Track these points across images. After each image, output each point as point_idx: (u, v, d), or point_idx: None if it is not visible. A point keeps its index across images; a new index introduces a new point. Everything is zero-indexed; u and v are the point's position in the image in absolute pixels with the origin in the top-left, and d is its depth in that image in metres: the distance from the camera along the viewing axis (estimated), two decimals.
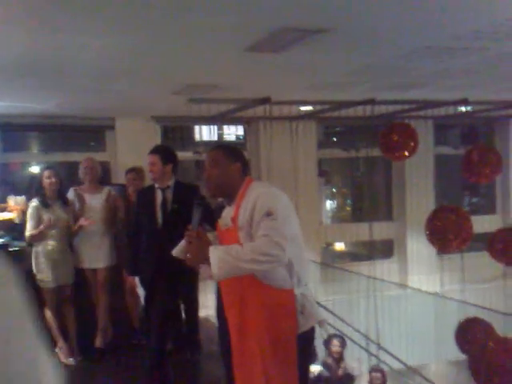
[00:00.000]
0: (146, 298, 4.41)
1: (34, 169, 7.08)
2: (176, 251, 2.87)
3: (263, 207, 2.47)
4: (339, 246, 9.38)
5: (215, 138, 8.03)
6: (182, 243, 2.79)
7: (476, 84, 5.23)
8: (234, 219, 2.61)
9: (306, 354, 2.77)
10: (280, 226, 2.42)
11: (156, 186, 4.24)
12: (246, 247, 2.39)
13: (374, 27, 3.23)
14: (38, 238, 4.89)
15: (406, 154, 5.64)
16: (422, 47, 3.74)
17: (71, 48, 3.33)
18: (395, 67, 4.34)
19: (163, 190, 4.20)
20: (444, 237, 5.06)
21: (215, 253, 2.40)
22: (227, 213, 2.76)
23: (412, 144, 5.58)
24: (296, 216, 2.69)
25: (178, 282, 4.16)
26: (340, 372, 6.52)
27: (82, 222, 5.05)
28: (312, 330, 2.72)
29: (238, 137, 8.16)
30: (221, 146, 2.89)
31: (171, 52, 3.53)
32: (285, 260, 2.41)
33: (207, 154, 2.84)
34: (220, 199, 2.96)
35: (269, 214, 2.44)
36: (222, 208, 2.90)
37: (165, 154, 4.23)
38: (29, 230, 4.90)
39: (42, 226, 4.83)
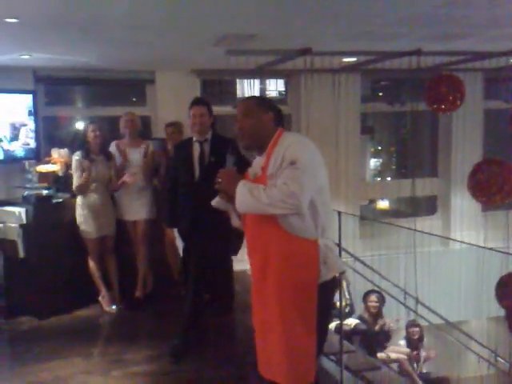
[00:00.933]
0: (184, 250, 4.48)
1: (78, 123, 7.18)
2: (215, 201, 2.88)
3: (290, 156, 2.50)
4: (383, 204, 9.25)
5: (257, 93, 7.90)
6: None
7: None
8: (264, 168, 2.63)
9: (327, 303, 2.77)
10: (300, 175, 2.45)
11: (194, 139, 4.23)
12: (267, 191, 2.46)
13: None
14: (85, 187, 5.02)
15: (453, 107, 5.42)
16: None
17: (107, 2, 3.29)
18: (441, 15, 4.12)
19: (201, 144, 4.19)
20: (487, 190, 4.89)
21: (241, 188, 2.56)
22: (257, 163, 2.77)
23: (459, 97, 5.35)
24: (324, 167, 2.68)
25: (215, 236, 4.18)
26: (377, 327, 6.53)
27: (126, 177, 5.13)
28: (333, 280, 2.72)
29: (280, 92, 8.02)
30: (253, 96, 2.85)
31: (206, 0, 3.44)
32: (301, 209, 2.47)
33: (239, 104, 2.82)
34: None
35: (292, 163, 2.48)
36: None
37: (210, 106, 4.23)
38: (75, 182, 5.02)
39: (85, 174, 4.93)
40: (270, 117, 2.71)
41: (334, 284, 2.76)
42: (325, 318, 2.77)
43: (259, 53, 5.12)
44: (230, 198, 2.65)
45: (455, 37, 4.96)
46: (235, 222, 2.91)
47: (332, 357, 4.61)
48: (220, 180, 2.70)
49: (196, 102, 4.21)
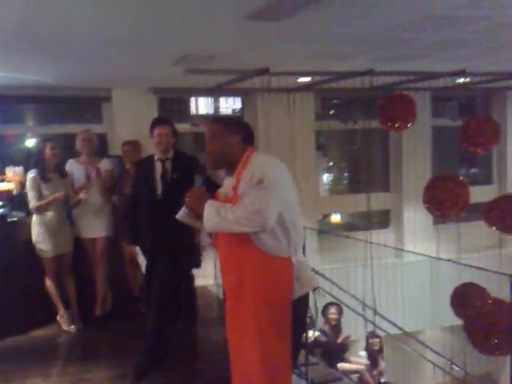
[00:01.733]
0: (148, 267, 4.47)
1: (30, 141, 7.07)
2: (180, 215, 2.91)
3: (257, 175, 2.56)
4: (335, 218, 9.44)
5: (211, 110, 7.98)
6: (184, 209, 2.84)
7: (474, 55, 5.22)
8: (235, 188, 2.67)
9: (300, 319, 2.85)
10: (267, 194, 2.51)
11: (156, 157, 4.25)
12: (233, 210, 2.52)
13: None
14: (44, 208, 4.94)
15: (405, 125, 5.65)
16: (421, 17, 3.73)
17: (67, 16, 3.30)
18: (394, 37, 4.33)
19: (163, 161, 4.22)
20: (442, 204, 5.11)
21: (208, 207, 2.61)
22: (227, 183, 2.81)
23: (411, 115, 5.59)
24: (293, 185, 2.74)
25: (178, 251, 4.20)
26: (340, 340, 6.64)
27: (82, 195, 5.09)
28: (306, 296, 2.81)
29: (234, 110, 8.12)
30: (219, 119, 2.94)
31: (169, 20, 3.50)
32: (266, 226, 2.52)
33: (206, 127, 2.86)
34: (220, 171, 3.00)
35: (260, 182, 2.53)
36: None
37: (173, 125, 4.26)
38: (32, 201, 4.93)
39: (51, 197, 4.88)
40: (238, 139, 2.74)
41: (307, 299, 2.84)
42: (299, 332, 2.84)
43: (218, 72, 5.22)
44: (198, 216, 2.70)
45: (406, 58, 5.18)
46: (204, 240, 2.95)
47: (295, 370, 4.68)
48: (188, 199, 2.74)
49: (160, 122, 4.23)
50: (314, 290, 2.87)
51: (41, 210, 4.95)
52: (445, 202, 5.11)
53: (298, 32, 4.05)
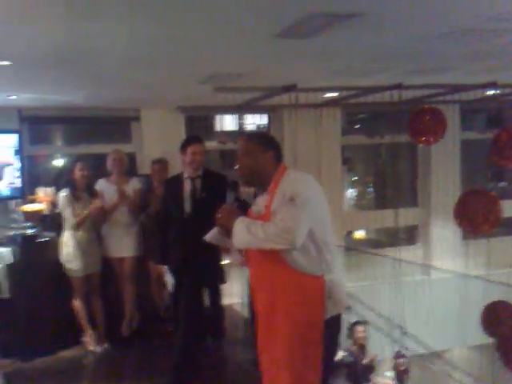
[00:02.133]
0: (176, 287, 4.46)
1: (59, 161, 7.16)
2: (209, 237, 2.90)
3: (289, 192, 2.56)
4: (359, 234, 9.34)
5: (236, 127, 8.01)
6: (215, 230, 2.83)
7: (504, 67, 5.14)
8: (267, 206, 2.65)
9: (333, 339, 2.81)
10: (298, 211, 2.50)
11: (185, 175, 4.26)
12: (264, 227, 2.52)
13: (401, 11, 3.18)
14: (82, 223, 4.99)
15: (436, 139, 5.58)
16: (450, 30, 3.68)
17: (97, 37, 3.33)
18: (422, 51, 4.27)
19: (193, 180, 4.22)
20: (473, 220, 5.02)
21: (239, 224, 2.61)
22: (260, 200, 2.79)
23: (441, 129, 5.52)
24: (326, 204, 2.72)
25: (206, 269, 4.19)
26: (366, 361, 6.52)
27: (91, 208, 5.07)
28: (339, 316, 2.77)
29: (258, 126, 8.13)
30: (252, 134, 2.93)
31: (196, 39, 3.50)
32: (295, 244, 2.50)
33: (238, 143, 2.87)
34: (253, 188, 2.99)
35: (291, 199, 2.53)
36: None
37: (204, 144, 4.27)
38: (70, 217, 4.97)
39: (90, 210, 4.99)
40: (270, 155, 2.74)
41: (340, 319, 2.81)
42: (331, 353, 2.81)
43: (246, 90, 5.23)
44: (228, 233, 2.68)
45: (434, 71, 5.12)
46: (236, 258, 2.94)
47: None
48: (219, 215, 2.73)
49: (195, 141, 4.26)
50: (347, 309, 2.84)
51: (80, 225, 4.99)
52: (476, 218, 5.01)
53: (325, 49, 4.03)
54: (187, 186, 4.24)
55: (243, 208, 2.90)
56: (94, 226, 5.21)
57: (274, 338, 2.68)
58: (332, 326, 2.71)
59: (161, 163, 5.78)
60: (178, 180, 4.34)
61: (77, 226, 5.01)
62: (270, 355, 2.74)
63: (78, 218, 4.98)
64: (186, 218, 4.20)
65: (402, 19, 3.38)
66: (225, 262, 4.54)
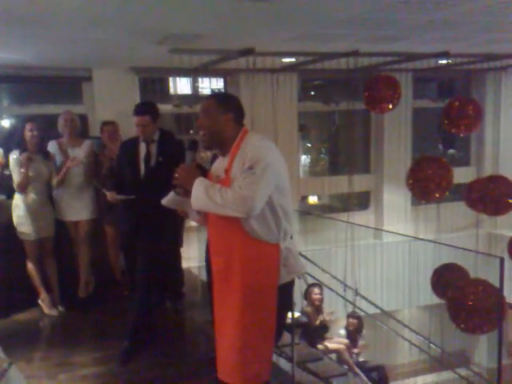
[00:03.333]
0: (129, 250, 4.44)
1: (7, 122, 6.92)
2: (165, 200, 2.89)
3: (249, 160, 2.52)
4: (312, 200, 9.48)
5: (191, 91, 7.89)
6: (172, 193, 2.82)
7: (457, 37, 5.24)
8: (227, 171, 2.63)
9: (285, 305, 2.88)
10: (256, 180, 2.48)
11: (141, 138, 4.20)
12: (221, 192, 2.50)
13: None
14: (25, 185, 4.86)
15: (390, 106, 5.68)
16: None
17: None
18: (379, 19, 4.31)
19: (148, 144, 4.17)
20: (426, 187, 5.18)
21: (198, 185, 2.58)
22: (219, 163, 2.76)
23: (396, 97, 5.62)
24: (286, 171, 2.68)
25: (161, 233, 4.18)
26: (317, 322, 6.72)
27: (68, 163, 4.98)
28: (292, 282, 2.82)
29: (213, 90, 8.04)
30: (213, 95, 2.87)
31: None
32: (252, 214, 2.51)
33: (201, 103, 2.79)
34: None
35: (251, 168, 2.49)
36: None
37: (154, 112, 4.17)
38: (16, 180, 4.85)
39: (23, 170, 4.81)
40: (230, 117, 2.67)
41: (293, 285, 2.86)
42: (282, 318, 2.85)
43: (203, 52, 5.15)
44: (187, 193, 2.65)
45: (390, 39, 5.17)
46: (193, 216, 2.90)
47: (276, 350, 4.73)
48: (177, 175, 2.69)
49: (138, 112, 4.13)
50: (302, 275, 2.90)
51: (22, 186, 4.87)
52: (429, 184, 5.18)
53: (285, 13, 4.00)
54: (142, 150, 4.19)
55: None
56: (47, 189, 5.09)
57: (228, 301, 2.70)
58: (285, 291, 2.76)
59: (111, 125, 5.67)
60: (133, 143, 4.27)
61: (19, 189, 4.89)
62: (222, 316, 2.77)
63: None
64: (140, 182, 4.16)
65: None
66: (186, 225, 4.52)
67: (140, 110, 4.17)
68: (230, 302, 2.68)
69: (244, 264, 2.62)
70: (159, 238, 4.19)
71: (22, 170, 4.81)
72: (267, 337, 2.70)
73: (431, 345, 6.56)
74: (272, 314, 2.66)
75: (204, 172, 2.86)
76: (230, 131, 2.67)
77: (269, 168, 2.52)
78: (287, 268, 2.69)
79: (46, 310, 5.14)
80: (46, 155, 5.04)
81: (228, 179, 2.59)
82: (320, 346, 6.49)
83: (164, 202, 2.95)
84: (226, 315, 2.73)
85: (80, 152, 5.19)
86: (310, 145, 9.63)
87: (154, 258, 4.21)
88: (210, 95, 2.88)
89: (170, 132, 4.48)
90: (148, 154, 4.17)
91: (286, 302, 2.86)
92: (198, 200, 2.58)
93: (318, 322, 6.71)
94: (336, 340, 6.87)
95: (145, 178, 4.16)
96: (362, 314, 6.93)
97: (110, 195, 4.46)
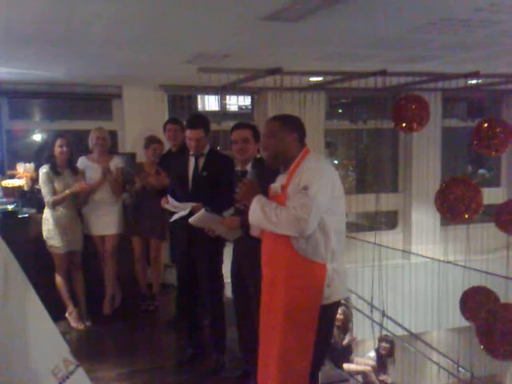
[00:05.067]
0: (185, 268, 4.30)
1: (39, 137, 7.07)
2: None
3: (304, 181, 2.64)
4: None
5: (218, 108, 7.95)
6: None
7: (488, 57, 5.19)
8: (284, 187, 2.74)
9: (327, 326, 2.85)
10: (309, 201, 2.57)
11: (191, 152, 4.09)
12: (277, 211, 2.63)
13: None
14: (61, 202, 4.94)
15: (419, 126, 5.63)
16: (438, 19, 3.70)
17: (83, 14, 3.29)
18: (409, 39, 4.29)
19: (197, 158, 4.07)
20: (455, 208, 5.11)
21: (256, 202, 2.74)
22: (280, 180, 2.86)
23: (424, 117, 5.57)
24: (341, 192, 2.79)
25: (217, 250, 4.09)
26: (345, 342, 6.63)
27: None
28: (335, 304, 2.84)
29: (240, 107, 8.09)
30: (277, 116, 2.93)
31: (184, 19, 3.47)
32: (304, 235, 2.62)
33: (265, 124, 2.94)
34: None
35: (305, 188, 2.61)
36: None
37: (207, 126, 4.07)
38: (47, 196, 4.93)
39: (67, 191, 4.89)
40: (294, 138, 2.80)
41: (336, 308, 2.90)
42: (323, 339, 2.83)
43: (231, 71, 5.20)
44: (246, 207, 2.80)
45: (419, 59, 5.15)
46: (254, 231, 3.04)
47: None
48: (239, 189, 2.84)
49: (192, 125, 4.02)
50: (346, 299, 2.90)
51: (57, 203, 4.96)
52: (458, 206, 5.10)
53: (312, 33, 4.03)
54: (191, 164, 4.08)
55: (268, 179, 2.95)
56: (76, 204, 5.17)
57: (272, 313, 2.78)
58: (328, 313, 2.78)
59: (158, 143, 5.64)
60: (182, 156, 4.17)
61: (54, 205, 4.96)
62: (268, 328, 2.84)
63: (58, 196, 4.93)
64: (189, 196, 4.00)
65: (390, 7, 3.38)
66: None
67: (194, 123, 4.07)
68: (274, 315, 2.77)
69: (288, 280, 2.71)
70: (217, 256, 4.10)
71: (67, 192, 4.89)
72: (304, 355, 2.73)
73: (460, 368, 6.41)
74: (311, 333, 2.70)
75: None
76: (294, 150, 2.79)
77: (322, 190, 2.63)
78: (331, 289, 2.72)
79: (73, 324, 5.18)
80: (75, 170, 5.12)
81: (284, 196, 2.71)
82: (345, 367, 6.40)
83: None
84: (270, 326, 2.82)
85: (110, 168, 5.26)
86: (337, 162, 9.60)
87: (215, 274, 4.12)
88: (274, 117, 2.93)
89: (217, 151, 4.43)
90: (196, 167, 4.07)
91: (327, 324, 2.85)
92: (254, 216, 2.74)
93: (345, 342, 6.62)
94: (361, 361, 6.77)
95: (192, 191, 4.03)
96: (390, 336, 6.81)
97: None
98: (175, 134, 5.19)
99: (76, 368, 2.14)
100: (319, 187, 2.62)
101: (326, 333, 2.85)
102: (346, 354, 6.68)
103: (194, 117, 4.48)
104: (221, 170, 3.87)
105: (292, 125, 2.84)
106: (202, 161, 4.08)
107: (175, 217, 3.98)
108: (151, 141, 5.54)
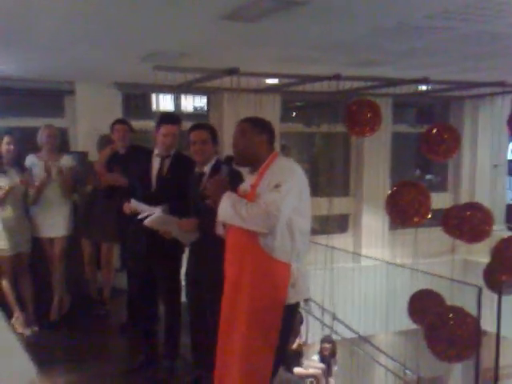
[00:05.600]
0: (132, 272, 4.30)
1: None
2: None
3: (276, 179, 2.72)
4: None
5: (173, 108, 7.87)
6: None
7: (438, 63, 5.34)
8: (253, 186, 2.79)
9: (288, 325, 2.89)
10: (280, 199, 2.64)
11: (156, 152, 3.99)
12: (247, 207, 2.67)
13: (348, 2, 3.24)
14: (2, 200, 4.75)
15: (370, 131, 5.74)
16: (393, 26, 3.78)
17: (35, 8, 3.19)
18: (364, 44, 4.38)
19: (162, 158, 3.97)
20: (405, 212, 5.22)
21: (225, 198, 2.77)
22: (249, 180, 2.92)
23: (377, 122, 5.68)
24: (308, 193, 2.88)
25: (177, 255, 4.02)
26: (295, 346, 6.64)
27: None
28: (297, 304, 2.91)
29: (195, 108, 8.04)
30: (249, 118, 3.02)
31: (141, 16, 3.43)
32: (273, 229, 2.67)
33: (236, 124, 3.01)
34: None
35: (276, 186, 2.68)
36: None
37: (180, 123, 4.04)
38: None
39: (8, 187, 4.71)
40: (263, 139, 2.88)
41: (297, 308, 2.94)
42: (285, 338, 2.89)
43: (187, 70, 5.16)
44: (215, 204, 2.81)
45: (372, 64, 5.25)
46: (219, 229, 3.03)
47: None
48: (209, 186, 2.88)
49: (169, 121, 3.93)
50: (306, 300, 2.93)
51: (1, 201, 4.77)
52: (408, 210, 5.22)
53: (269, 35, 4.06)
54: (155, 164, 3.97)
55: (236, 180, 3.05)
56: (25, 203, 4.99)
57: (236, 311, 2.80)
58: (290, 313, 2.82)
59: (123, 124, 5.44)
60: (147, 155, 4.04)
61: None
62: (231, 326, 2.85)
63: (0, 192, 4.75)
64: (152, 197, 3.85)
65: (347, 12, 3.44)
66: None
67: (169, 118, 4.05)
68: (239, 313, 2.79)
69: (253, 279, 2.75)
70: (176, 261, 4.00)
71: (7, 187, 4.73)
72: (268, 356, 2.76)
73: (407, 370, 6.55)
74: (275, 333, 2.74)
75: (240, 179, 3.11)
76: (263, 152, 2.87)
77: (293, 189, 2.72)
78: (295, 289, 2.77)
79: (20, 329, 4.98)
80: (22, 169, 4.95)
81: (253, 194, 2.76)
82: (296, 371, 6.42)
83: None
84: (233, 324, 2.83)
85: (58, 167, 5.10)
86: None
87: (173, 279, 4.02)
88: (246, 118, 3.04)
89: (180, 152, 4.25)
90: (161, 168, 3.96)
91: (289, 323, 2.90)
92: (224, 212, 2.76)
93: (295, 346, 6.64)
94: (312, 365, 6.81)
95: (156, 193, 3.91)
96: (338, 338, 6.89)
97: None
98: (124, 134, 5.12)
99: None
100: (290, 186, 2.71)
101: (287, 334, 2.89)
102: (297, 357, 6.70)
103: (169, 114, 4.43)
104: (186, 172, 3.81)
105: (262, 127, 2.94)
106: (167, 162, 3.99)
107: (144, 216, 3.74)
108: (109, 141, 5.41)
